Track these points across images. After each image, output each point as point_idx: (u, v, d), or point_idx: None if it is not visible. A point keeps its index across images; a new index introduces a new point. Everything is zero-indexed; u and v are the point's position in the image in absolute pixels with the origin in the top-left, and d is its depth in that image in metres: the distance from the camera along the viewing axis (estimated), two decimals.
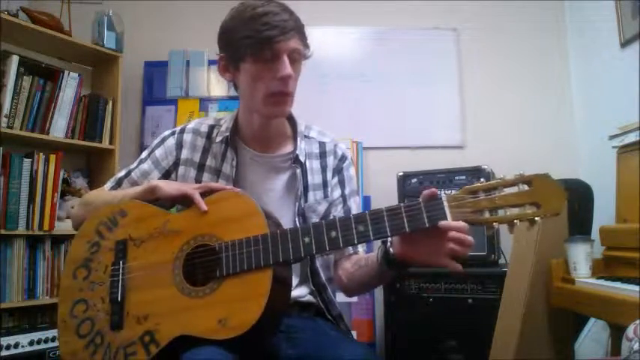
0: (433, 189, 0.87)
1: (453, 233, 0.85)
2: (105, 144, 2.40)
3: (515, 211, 0.79)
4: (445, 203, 0.85)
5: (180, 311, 0.92)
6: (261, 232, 0.93)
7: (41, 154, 2.17)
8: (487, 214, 0.81)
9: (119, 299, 0.97)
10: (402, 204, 0.88)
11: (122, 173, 1.21)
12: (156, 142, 1.21)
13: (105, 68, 2.52)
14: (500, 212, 0.80)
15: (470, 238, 0.85)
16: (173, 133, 1.20)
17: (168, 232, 1.00)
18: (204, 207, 0.98)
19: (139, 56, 2.68)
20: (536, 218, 0.79)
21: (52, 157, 2.20)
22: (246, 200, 0.97)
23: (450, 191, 0.89)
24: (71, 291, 1.03)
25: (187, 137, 1.18)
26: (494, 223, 0.82)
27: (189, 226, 0.99)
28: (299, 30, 1.05)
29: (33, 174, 2.14)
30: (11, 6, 2.12)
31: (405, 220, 0.87)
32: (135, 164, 1.21)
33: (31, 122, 2.14)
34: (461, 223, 0.84)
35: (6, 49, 2.15)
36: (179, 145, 1.17)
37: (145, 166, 1.18)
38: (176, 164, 1.17)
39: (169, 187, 1.06)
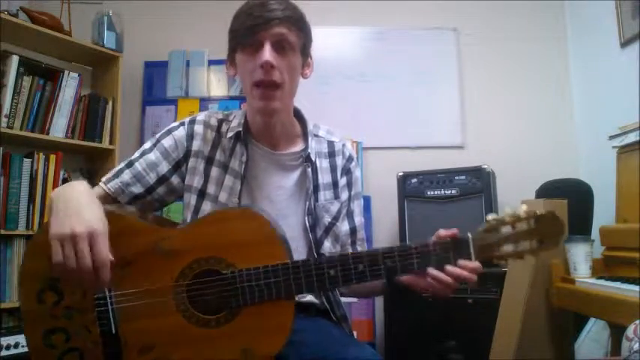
0: (454, 230, 0.91)
1: (461, 273, 0.89)
2: (105, 144, 2.39)
3: (524, 244, 0.90)
4: (471, 244, 0.90)
5: (193, 341, 0.88)
6: (281, 261, 0.89)
7: (41, 154, 2.16)
8: (503, 249, 0.90)
9: (113, 331, 0.89)
10: (429, 241, 0.91)
11: (122, 165, 1.12)
12: (162, 132, 1.14)
13: (105, 68, 2.51)
14: (511, 247, 0.90)
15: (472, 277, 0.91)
16: (183, 124, 1.14)
17: (162, 253, 0.90)
18: None
19: (138, 56, 2.68)
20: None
21: (52, 157, 2.20)
22: (263, 223, 0.91)
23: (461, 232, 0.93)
24: (39, 317, 0.89)
25: (198, 129, 1.13)
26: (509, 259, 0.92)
27: (190, 246, 0.91)
28: (289, 19, 1.02)
29: (33, 174, 2.13)
30: (11, 6, 2.12)
31: (432, 258, 0.90)
32: (137, 154, 1.12)
33: (31, 122, 2.13)
34: (478, 264, 0.90)
35: (6, 49, 2.15)
36: (190, 136, 1.12)
37: (152, 156, 1.10)
38: (186, 156, 1.12)
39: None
